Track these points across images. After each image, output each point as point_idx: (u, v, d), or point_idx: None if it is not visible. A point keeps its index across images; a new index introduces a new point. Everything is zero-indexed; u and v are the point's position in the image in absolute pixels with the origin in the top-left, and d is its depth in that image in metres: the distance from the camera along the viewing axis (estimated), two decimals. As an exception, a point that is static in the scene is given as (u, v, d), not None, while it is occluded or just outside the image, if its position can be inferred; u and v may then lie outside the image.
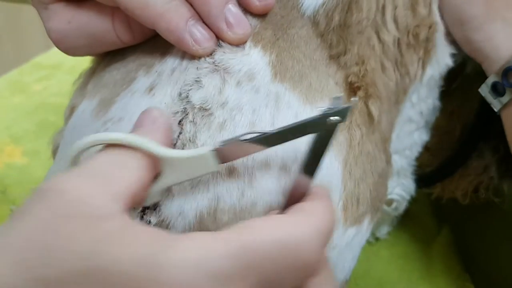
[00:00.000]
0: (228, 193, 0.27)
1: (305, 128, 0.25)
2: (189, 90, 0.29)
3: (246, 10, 0.31)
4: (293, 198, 0.27)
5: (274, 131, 0.25)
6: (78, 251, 0.19)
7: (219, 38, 0.30)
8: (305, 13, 0.32)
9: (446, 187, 0.52)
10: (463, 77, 0.46)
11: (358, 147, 0.33)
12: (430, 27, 0.37)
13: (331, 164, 0.31)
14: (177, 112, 0.29)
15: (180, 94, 0.29)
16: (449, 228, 0.58)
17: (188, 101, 0.29)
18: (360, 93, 0.34)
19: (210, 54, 0.30)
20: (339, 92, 0.33)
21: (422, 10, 0.36)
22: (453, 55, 0.40)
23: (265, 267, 0.21)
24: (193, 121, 0.28)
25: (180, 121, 0.29)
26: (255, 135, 0.25)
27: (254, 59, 0.30)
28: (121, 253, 0.19)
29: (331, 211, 0.25)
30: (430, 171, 0.52)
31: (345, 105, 0.25)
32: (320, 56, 0.33)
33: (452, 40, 0.40)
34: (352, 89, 0.34)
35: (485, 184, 0.49)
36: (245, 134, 0.25)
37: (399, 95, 0.37)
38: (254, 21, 0.31)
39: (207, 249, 0.20)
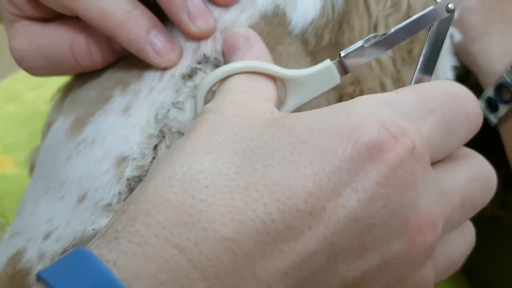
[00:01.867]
0: None
1: (425, 19, 0.25)
2: (167, 113, 0.28)
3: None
4: None
5: (394, 30, 0.25)
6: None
7: (181, 31, 0.29)
8: (293, 31, 0.30)
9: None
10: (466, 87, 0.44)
11: None
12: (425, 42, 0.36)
13: None
14: (153, 135, 0.27)
15: (156, 116, 0.28)
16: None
17: (165, 124, 0.27)
18: None
19: (190, 77, 0.28)
20: None
21: None
22: (455, 68, 0.38)
23: (443, 110, 0.22)
24: (170, 146, 0.27)
25: (155, 146, 0.27)
26: (375, 39, 0.25)
27: None
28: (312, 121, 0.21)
29: None
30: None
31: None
32: None
33: (454, 51, 0.39)
34: None
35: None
36: (365, 40, 0.25)
37: None
38: None
39: (389, 96, 0.22)
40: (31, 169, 0.36)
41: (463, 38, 0.39)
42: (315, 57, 0.31)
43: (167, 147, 0.27)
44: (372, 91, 0.33)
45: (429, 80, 0.26)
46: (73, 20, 0.30)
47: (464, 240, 0.24)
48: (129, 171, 0.27)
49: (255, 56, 0.26)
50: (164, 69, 0.28)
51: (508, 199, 0.46)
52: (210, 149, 0.20)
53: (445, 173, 0.22)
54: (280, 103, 0.26)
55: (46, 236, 0.27)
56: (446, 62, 0.38)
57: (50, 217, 0.27)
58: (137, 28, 0.28)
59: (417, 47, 0.35)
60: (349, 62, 0.25)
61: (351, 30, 0.32)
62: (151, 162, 0.27)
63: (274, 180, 0.19)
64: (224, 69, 0.25)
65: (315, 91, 0.26)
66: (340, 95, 0.32)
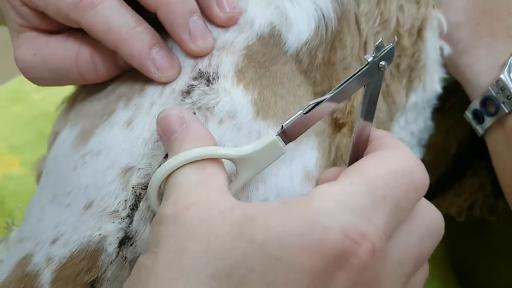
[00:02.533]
0: None
1: (360, 79, 0.26)
2: None
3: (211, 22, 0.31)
4: (360, 142, 0.28)
5: (331, 94, 0.26)
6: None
7: (181, 48, 0.30)
8: (287, 51, 0.31)
9: (440, 204, 0.51)
10: (458, 94, 0.46)
11: None
12: (412, 56, 0.37)
13: None
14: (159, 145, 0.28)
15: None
16: (445, 244, 0.57)
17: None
18: (344, 130, 0.33)
19: (188, 93, 0.29)
20: (323, 126, 0.32)
21: (405, 42, 0.36)
22: (444, 80, 0.39)
23: (394, 194, 0.23)
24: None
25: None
26: (313, 105, 0.26)
27: (236, 98, 0.29)
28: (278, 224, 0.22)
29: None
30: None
31: (390, 46, 0.26)
32: (304, 92, 0.32)
33: (443, 63, 0.40)
34: (337, 125, 0.33)
35: (479, 202, 0.49)
36: (305, 108, 0.26)
37: (386, 123, 0.37)
38: (237, 59, 0.31)
39: (344, 192, 0.22)
40: (38, 177, 0.37)
41: (452, 51, 0.40)
42: (308, 76, 0.32)
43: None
44: None
45: (370, 127, 0.27)
46: (79, 33, 0.31)
47: (420, 278, 0.26)
48: (135, 179, 0.28)
49: (194, 138, 0.26)
50: (165, 83, 0.29)
51: (497, 204, 0.47)
52: (185, 276, 0.21)
53: (398, 242, 0.24)
54: (231, 180, 0.27)
55: (54, 241, 0.28)
56: (434, 74, 0.39)
57: (57, 223, 0.28)
58: (140, 45, 0.28)
59: (404, 61, 0.36)
60: (292, 131, 0.26)
61: (343, 48, 0.33)
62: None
63: None
64: (169, 165, 0.24)
65: (263, 164, 0.26)
66: (332, 110, 0.33)
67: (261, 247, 0.21)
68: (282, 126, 0.26)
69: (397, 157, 0.25)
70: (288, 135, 0.26)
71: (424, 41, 0.37)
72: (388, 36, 0.35)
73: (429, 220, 0.26)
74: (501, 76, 0.39)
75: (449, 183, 0.50)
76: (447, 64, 0.41)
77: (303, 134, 0.30)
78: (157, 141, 0.28)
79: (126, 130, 0.29)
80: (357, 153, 0.28)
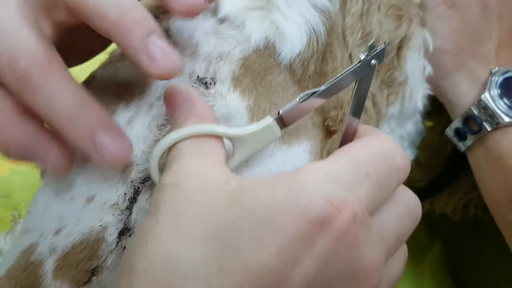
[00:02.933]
0: None
1: (351, 75, 0.28)
2: (168, 121, 0.30)
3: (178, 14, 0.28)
4: (348, 135, 0.30)
5: (326, 86, 0.28)
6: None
7: (144, 72, 0.26)
8: (282, 62, 0.33)
9: (436, 203, 0.52)
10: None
11: None
12: (386, 73, 0.39)
13: None
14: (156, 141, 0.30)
15: (157, 125, 0.30)
16: (441, 243, 0.58)
17: (168, 131, 0.30)
18: (335, 136, 0.34)
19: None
20: (315, 131, 0.34)
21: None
22: (428, 96, 0.42)
23: (377, 172, 0.25)
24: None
25: None
26: (309, 95, 0.28)
27: (232, 103, 0.31)
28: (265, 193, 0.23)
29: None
30: (421, 186, 0.52)
31: (382, 47, 0.28)
32: None
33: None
34: (328, 131, 0.35)
35: (474, 201, 0.50)
36: (301, 97, 0.28)
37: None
38: (234, 67, 0.32)
39: (330, 168, 0.24)
40: (42, 174, 0.39)
41: (434, 73, 0.42)
42: (301, 85, 0.34)
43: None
44: None
45: (358, 122, 0.29)
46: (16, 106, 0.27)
47: (400, 258, 0.28)
48: (134, 174, 0.29)
49: (198, 114, 0.27)
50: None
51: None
52: (181, 235, 0.22)
53: (380, 218, 0.26)
54: (229, 157, 0.28)
55: (57, 232, 0.30)
56: (418, 91, 0.40)
57: (61, 216, 0.30)
58: (84, 130, 0.26)
59: (380, 75, 0.38)
60: (288, 117, 0.28)
61: (334, 59, 0.35)
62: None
63: (245, 262, 0.22)
64: (173, 137, 0.26)
65: (259, 145, 0.28)
66: (324, 118, 0.35)
67: (251, 212, 0.23)
68: (279, 112, 0.28)
69: (380, 142, 0.27)
70: (284, 121, 0.28)
71: (403, 60, 0.39)
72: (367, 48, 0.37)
73: (409, 201, 0.28)
74: (482, 96, 0.40)
75: (444, 183, 0.51)
76: (429, 83, 0.42)
77: (295, 139, 0.31)
78: (156, 139, 0.30)
79: (127, 128, 0.31)
80: (349, 133, 0.30)
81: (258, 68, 0.32)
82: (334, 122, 0.35)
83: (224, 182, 0.24)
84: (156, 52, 0.26)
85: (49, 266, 0.29)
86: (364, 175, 0.25)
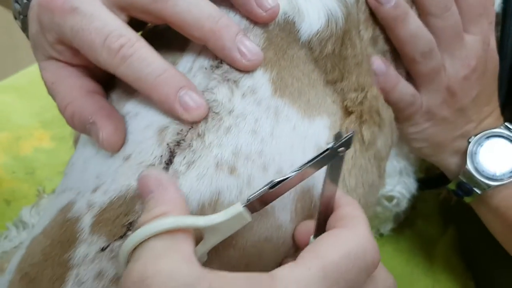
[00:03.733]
0: (228, 190, 0.30)
1: (320, 162, 0.28)
2: (203, 93, 0.32)
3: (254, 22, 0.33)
4: (327, 206, 0.30)
5: (294, 173, 0.28)
6: None
7: (235, 67, 0.32)
8: (300, 39, 0.34)
9: (443, 192, 0.54)
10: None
11: (352, 160, 0.35)
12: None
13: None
14: None
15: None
16: (455, 228, 0.59)
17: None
18: (352, 117, 0.36)
19: (218, 67, 0.32)
20: (335, 108, 0.35)
21: None
22: None
23: (346, 277, 0.25)
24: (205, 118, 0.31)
25: None
26: (278, 181, 0.28)
27: (257, 75, 0.32)
28: None
29: (363, 212, 0.29)
30: (439, 173, 0.53)
31: (349, 135, 0.28)
32: (317, 77, 0.35)
33: None
34: (347, 111, 0.36)
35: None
36: (269, 184, 0.28)
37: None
38: (258, 40, 0.33)
39: (303, 278, 0.25)
40: (75, 141, 0.40)
41: (419, 154, 0.48)
42: (318, 64, 0.35)
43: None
44: (378, 98, 0.37)
45: (335, 190, 0.29)
46: (89, 84, 0.34)
47: None
48: (169, 137, 0.31)
49: (168, 201, 0.27)
50: (192, 122, 0.31)
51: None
52: None
53: None
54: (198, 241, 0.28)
55: (94, 190, 0.31)
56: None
57: (98, 174, 0.31)
58: (167, 90, 0.30)
59: None
60: (257, 202, 0.28)
61: (354, 46, 0.36)
62: (189, 129, 0.31)
63: None
64: (142, 233, 0.25)
65: (229, 231, 0.28)
66: (343, 98, 0.36)
67: None
68: (248, 199, 0.27)
69: (353, 240, 0.27)
70: (254, 205, 0.28)
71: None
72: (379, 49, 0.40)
73: (381, 285, 0.28)
74: (466, 167, 0.44)
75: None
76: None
77: (316, 114, 0.32)
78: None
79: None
80: (325, 214, 0.30)
81: (281, 42, 0.34)
82: (352, 103, 0.36)
83: (195, 282, 0.23)
84: (243, 48, 0.31)
85: (86, 221, 0.30)
86: (335, 284, 0.25)
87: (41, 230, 0.33)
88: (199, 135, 0.31)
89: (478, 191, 0.44)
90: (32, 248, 0.33)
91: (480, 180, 0.43)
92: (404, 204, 0.52)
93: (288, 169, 0.31)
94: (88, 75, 0.34)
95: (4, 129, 0.67)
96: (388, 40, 0.40)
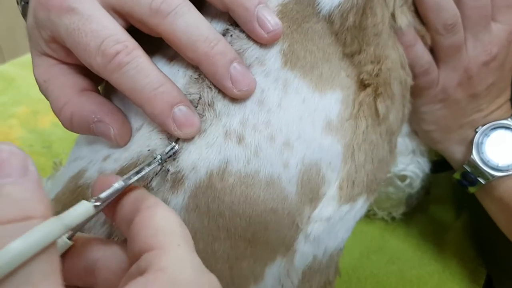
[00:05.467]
0: (236, 159, 0.30)
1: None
2: None
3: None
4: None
5: (127, 183, 0.26)
6: None
7: (225, 94, 0.31)
8: (320, 12, 0.34)
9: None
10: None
11: (362, 135, 0.35)
12: None
13: (333, 146, 0.33)
14: (196, 78, 0.31)
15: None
16: (468, 213, 0.59)
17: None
18: (369, 90, 0.35)
19: (223, 36, 0.31)
20: (349, 82, 0.35)
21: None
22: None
23: None
24: (210, 86, 0.31)
25: (199, 84, 0.31)
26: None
27: (266, 47, 0.32)
28: None
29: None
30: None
31: (173, 150, 0.30)
32: (333, 50, 0.34)
33: None
34: (362, 84, 0.36)
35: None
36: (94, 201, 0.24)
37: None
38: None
39: None
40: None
41: (426, 140, 0.49)
42: (339, 37, 0.35)
43: (208, 87, 0.31)
44: (391, 71, 0.37)
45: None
46: (82, 82, 0.32)
47: None
48: None
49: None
50: (184, 139, 0.30)
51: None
52: None
53: None
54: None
55: (105, 158, 0.31)
56: None
57: (111, 144, 0.32)
58: (161, 105, 0.29)
59: None
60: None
61: (374, 15, 0.35)
62: (199, 99, 0.31)
63: None
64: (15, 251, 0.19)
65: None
66: (359, 71, 0.36)
67: None
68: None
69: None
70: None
71: None
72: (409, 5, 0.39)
73: None
74: (471, 157, 0.44)
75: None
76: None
77: (328, 87, 0.32)
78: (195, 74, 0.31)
79: (168, 65, 0.32)
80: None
81: (296, 16, 0.33)
82: (369, 76, 0.36)
83: None
84: (237, 75, 0.30)
85: None
86: None
87: (53, 196, 0.34)
88: (209, 105, 0.31)
89: (483, 181, 0.45)
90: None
91: (485, 170, 0.44)
92: (417, 185, 0.51)
93: (295, 140, 0.31)
94: (81, 73, 0.33)
95: (22, 103, 0.68)
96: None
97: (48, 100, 0.33)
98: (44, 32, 0.31)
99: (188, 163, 0.30)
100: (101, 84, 0.35)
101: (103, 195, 0.25)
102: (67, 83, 0.32)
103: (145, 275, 0.21)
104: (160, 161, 0.29)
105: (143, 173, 0.28)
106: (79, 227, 0.24)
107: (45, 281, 0.19)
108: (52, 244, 0.20)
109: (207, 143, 0.30)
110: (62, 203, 0.32)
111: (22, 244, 0.18)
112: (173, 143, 0.30)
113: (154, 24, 0.29)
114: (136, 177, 0.27)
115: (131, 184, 0.26)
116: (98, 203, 0.24)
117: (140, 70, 0.29)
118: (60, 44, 0.31)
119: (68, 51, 0.31)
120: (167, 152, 0.30)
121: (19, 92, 0.69)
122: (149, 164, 0.29)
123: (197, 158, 0.30)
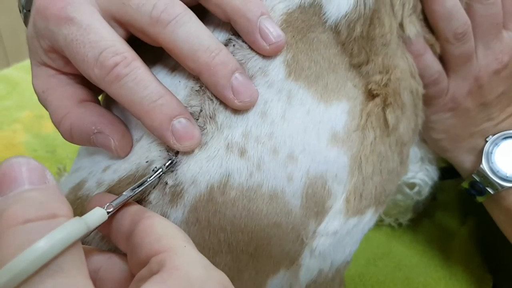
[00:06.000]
0: (238, 172, 0.30)
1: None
2: None
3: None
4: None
5: (131, 195, 0.27)
6: None
7: (227, 105, 0.30)
8: (326, 22, 0.33)
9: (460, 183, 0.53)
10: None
11: (370, 147, 0.34)
12: None
13: (339, 158, 0.32)
14: (197, 90, 0.31)
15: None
16: (474, 220, 0.58)
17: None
18: (377, 100, 0.35)
19: (226, 46, 0.31)
20: (356, 93, 0.34)
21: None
22: None
23: None
24: (211, 98, 0.31)
25: (200, 97, 0.31)
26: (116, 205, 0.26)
27: (269, 57, 0.31)
28: None
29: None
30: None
31: (172, 163, 0.30)
32: (339, 61, 0.34)
33: None
34: (370, 95, 0.35)
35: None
36: (106, 206, 0.26)
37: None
38: (276, 23, 0.32)
39: None
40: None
41: (435, 149, 0.48)
42: (345, 47, 0.34)
43: (209, 99, 0.30)
44: (401, 81, 0.36)
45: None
46: (81, 92, 0.32)
47: None
48: None
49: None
50: (184, 153, 0.30)
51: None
52: None
53: None
54: None
55: (105, 169, 0.31)
56: None
57: (111, 155, 0.31)
58: (160, 117, 0.29)
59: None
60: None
61: (382, 26, 0.35)
62: (200, 111, 0.30)
63: None
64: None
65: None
66: (367, 82, 0.35)
67: None
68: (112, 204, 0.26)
69: (191, 267, 0.23)
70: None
71: None
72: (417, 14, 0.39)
73: None
74: (480, 167, 0.44)
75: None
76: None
77: (334, 98, 0.32)
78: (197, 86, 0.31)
79: (170, 76, 0.32)
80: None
81: (301, 25, 0.33)
82: (377, 86, 0.35)
83: None
84: (239, 86, 0.30)
85: None
86: None
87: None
88: (210, 117, 0.30)
89: (491, 191, 0.44)
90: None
91: (494, 180, 0.44)
92: (425, 193, 0.51)
93: (299, 153, 0.31)
94: (81, 83, 0.32)
95: (26, 107, 0.68)
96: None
97: (47, 111, 0.33)
98: (43, 42, 0.31)
99: (188, 177, 0.29)
100: (100, 94, 0.35)
101: (115, 202, 0.26)
102: (66, 93, 0.32)
103: (160, 273, 0.22)
104: (160, 172, 0.29)
105: (146, 184, 0.28)
106: (87, 234, 0.24)
107: (75, 270, 0.20)
108: (78, 240, 0.21)
109: (208, 156, 0.30)
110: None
111: (59, 234, 0.20)
112: (173, 157, 0.30)
113: (155, 33, 0.29)
114: (140, 189, 0.28)
115: (136, 194, 0.27)
116: (110, 210, 0.25)
117: (139, 82, 0.28)
118: (59, 54, 0.31)
119: (67, 61, 0.31)
120: (167, 166, 0.29)
121: (23, 96, 0.69)
122: (150, 176, 0.29)
123: (197, 172, 0.29)
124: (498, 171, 0.43)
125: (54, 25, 0.29)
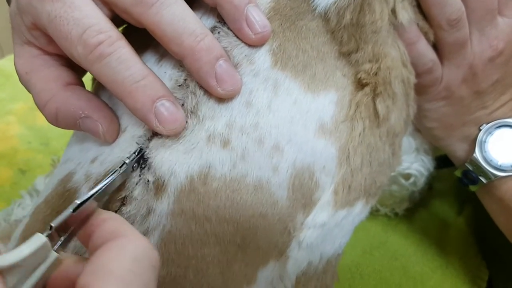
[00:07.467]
0: (221, 163, 0.29)
1: (121, 176, 0.28)
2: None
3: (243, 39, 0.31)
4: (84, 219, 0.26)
5: (96, 190, 0.26)
6: None
7: (209, 92, 0.30)
8: (316, 9, 0.32)
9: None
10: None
11: (359, 138, 0.33)
12: None
13: (327, 150, 0.32)
14: (181, 84, 0.30)
15: (181, 65, 0.31)
16: (470, 209, 0.58)
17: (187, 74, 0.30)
18: (367, 89, 0.34)
19: (212, 31, 0.30)
20: (345, 82, 0.33)
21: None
22: None
23: (141, 280, 0.23)
24: (194, 92, 0.30)
25: (183, 90, 0.30)
26: (81, 202, 0.25)
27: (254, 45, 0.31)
28: None
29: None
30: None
31: (140, 152, 0.29)
32: (329, 49, 0.33)
33: None
34: (360, 84, 0.34)
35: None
36: (72, 206, 0.25)
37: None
38: (263, 11, 0.31)
39: None
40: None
41: (428, 138, 0.48)
42: (334, 35, 0.33)
43: (192, 93, 0.30)
44: (391, 69, 0.35)
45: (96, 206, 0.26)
46: (66, 75, 0.31)
47: None
48: None
49: None
50: (167, 136, 0.29)
51: None
52: None
53: None
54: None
55: (93, 160, 0.31)
56: None
57: (99, 144, 0.31)
58: (143, 98, 0.28)
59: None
60: (62, 227, 0.24)
61: (373, 12, 0.34)
62: (181, 105, 0.30)
63: None
64: None
65: (35, 266, 0.23)
66: (356, 71, 0.34)
67: None
68: (51, 226, 0.24)
69: (133, 245, 0.23)
70: (58, 231, 0.24)
71: None
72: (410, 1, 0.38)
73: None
74: (473, 155, 0.44)
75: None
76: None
77: (321, 88, 0.31)
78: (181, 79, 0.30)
79: (156, 66, 0.31)
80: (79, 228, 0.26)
81: (289, 13, 0.32)
82: (367, 75, 0.34)
83: None
84: (223, 74, 0.29)
85: (83, 192, 0.30)
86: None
87: (43, 199, 0.33)
88: (192, 111, 0.30)
89: (484, 181, 0.44)
90: (35, 216, 0.33)
91: (487, 169, 0.43)
92: (421, 183, 0.51)
93: (285, 144, 0.30)
94: (65, 65, 0.32)
95: (20, 99, 0.67)
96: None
97: (30, 93, 0.32)
98: (26, 18, 0.30)
99: (163, 169, 0.29)
100: (84, 76, 0.34)
101: (54, 222, 0.24)
102: (51, 76, 0.31)
103: (114, 240, 0.23)
104: (119, 170, 0.28)
105: (104, 183, 0.27)
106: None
107: None
108: None
109: (186, 148, 0.29)
110: (51, 207, 0.32)
111: None
112: (138, 148, 0.29)
113: (138, 14, 0.28)
114: (96, 189, 0.26)
115: (94, 195, 0.26)
116: (49, 232, 0.24)
117: (122, 62, 0.28)
118: (42, 31, 0.30)
119: (50, 39, 0.30)
120: (131, 158, 0.29)
121: (17, 88, 0.68)
122: (113, 173, 0.28)
123: (173, 163, 0.29)
124: (491, 160, 0.43)
125: (37, 1, 0.29)
